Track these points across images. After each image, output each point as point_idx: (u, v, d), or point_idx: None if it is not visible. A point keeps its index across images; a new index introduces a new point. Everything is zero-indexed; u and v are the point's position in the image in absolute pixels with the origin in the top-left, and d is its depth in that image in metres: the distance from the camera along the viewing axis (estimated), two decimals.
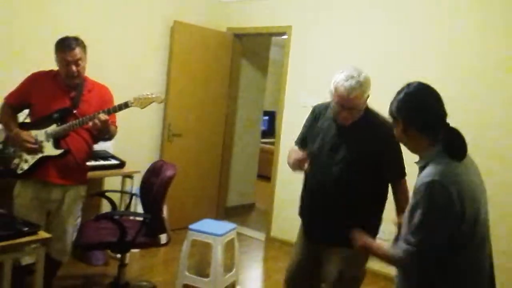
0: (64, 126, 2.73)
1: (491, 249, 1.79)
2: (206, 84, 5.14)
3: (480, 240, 1.71)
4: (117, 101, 2.81)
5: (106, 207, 3.97)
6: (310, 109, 2.59)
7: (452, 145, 1.70)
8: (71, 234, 2.93)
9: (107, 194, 3.57)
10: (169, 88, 4.83)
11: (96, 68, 3.06)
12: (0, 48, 3.67)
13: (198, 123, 5.12)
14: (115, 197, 3.65)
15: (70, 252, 2.96)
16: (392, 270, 1.97)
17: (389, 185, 2.41)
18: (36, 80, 2.86)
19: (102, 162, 3.81)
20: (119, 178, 3.96)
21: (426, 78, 1.87)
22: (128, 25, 4.52)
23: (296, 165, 2.36)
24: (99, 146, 3.68)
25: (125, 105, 2.71)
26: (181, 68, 4.88)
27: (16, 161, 2.79)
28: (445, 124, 1.74)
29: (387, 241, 1.98)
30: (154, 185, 3.20)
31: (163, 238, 3.32)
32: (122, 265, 3.31)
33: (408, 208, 1.74)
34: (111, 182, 4.13)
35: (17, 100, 2.86)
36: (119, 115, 2.95)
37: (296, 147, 2.54)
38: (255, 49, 5.95)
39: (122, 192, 3.86)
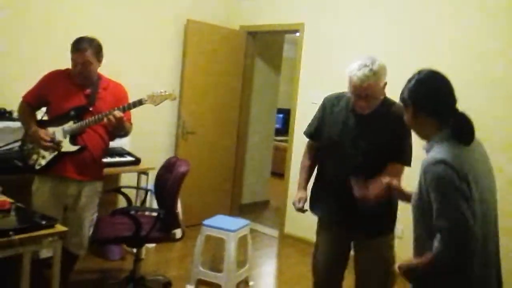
0: (81, 123, 2.80)
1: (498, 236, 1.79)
2: (220, 82, 5.18)
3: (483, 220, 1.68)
4: (132, 99, 2.86)
5: (122, 203, 4.04)
6: None
7: (460, 130, 1.71)
8: (88, 229, 2.99)
9: (123, 190, 3.65)
10: (183, 87, 4.88)
11: (110, 66, 3.12)
12: (16, 46, 3.77)
13: (212, 121, 5.17)
14: (131, 193, 3.71)
15: (87, 246, 3.02)
16: None
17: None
18: (52, 79, 2.92)
19: (118, 159, 3.87)
20: (135, 175, 4.02)
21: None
22: (142, 24, 4.59)
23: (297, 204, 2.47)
24: (116, 143, 3.75)
25: (139, 102, 2.76)
26: (195, 67, 4.92)
27: (34, 157, 2.86)
28: (455, 110, 1.76)
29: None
30: (168, 181, 3.25)
31: (178, 233, 3.37)
32: (137, 259, 3.36)
33: (415, 191, 1.74)
34: (127, 179, 4.22)
35: (34, 98, 2.93)
36: (135, 114, 3.01)
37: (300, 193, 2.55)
38: (268, 47, 5.97)
39: (138, 188, 3.92)
